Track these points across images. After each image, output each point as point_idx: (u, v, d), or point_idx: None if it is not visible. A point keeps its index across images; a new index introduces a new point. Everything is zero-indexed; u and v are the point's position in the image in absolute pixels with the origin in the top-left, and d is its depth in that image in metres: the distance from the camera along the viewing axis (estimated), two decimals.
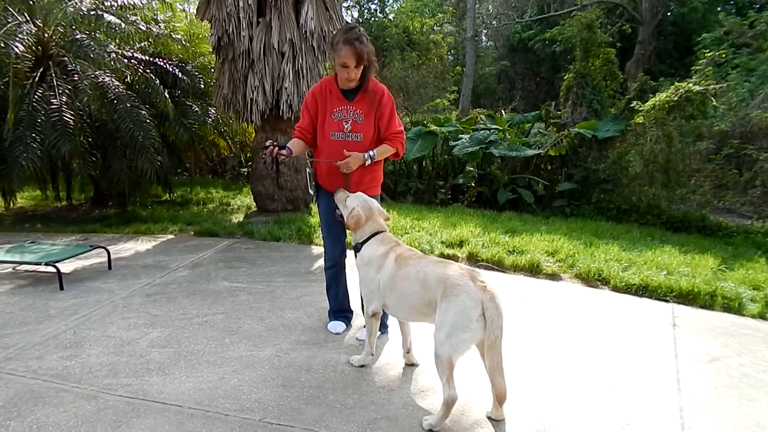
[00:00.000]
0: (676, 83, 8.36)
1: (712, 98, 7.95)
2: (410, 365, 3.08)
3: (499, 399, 2.48)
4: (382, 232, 2.98)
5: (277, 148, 3.05)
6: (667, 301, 4.39)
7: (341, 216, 3.05)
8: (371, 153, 3.12)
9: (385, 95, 3.17)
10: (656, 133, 7.99)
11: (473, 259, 5.37)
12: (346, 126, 3.14)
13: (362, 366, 3.05)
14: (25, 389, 2.74)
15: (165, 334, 3.45)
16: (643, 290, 4.54)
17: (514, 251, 5.52)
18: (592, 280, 4.85)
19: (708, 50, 10.00)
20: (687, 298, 4.40)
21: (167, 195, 8.71)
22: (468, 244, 5.67)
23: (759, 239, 7.20)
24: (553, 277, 4.98)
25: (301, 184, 7.35)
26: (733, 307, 4.26)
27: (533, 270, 5.07)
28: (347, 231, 3.34)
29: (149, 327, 3.56)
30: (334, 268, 3.49)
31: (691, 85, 7.99)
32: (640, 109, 8.31)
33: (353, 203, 2.96)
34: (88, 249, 4.86)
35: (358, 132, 3.14)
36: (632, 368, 3.15)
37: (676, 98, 7.81)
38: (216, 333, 3.48)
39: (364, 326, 3.38)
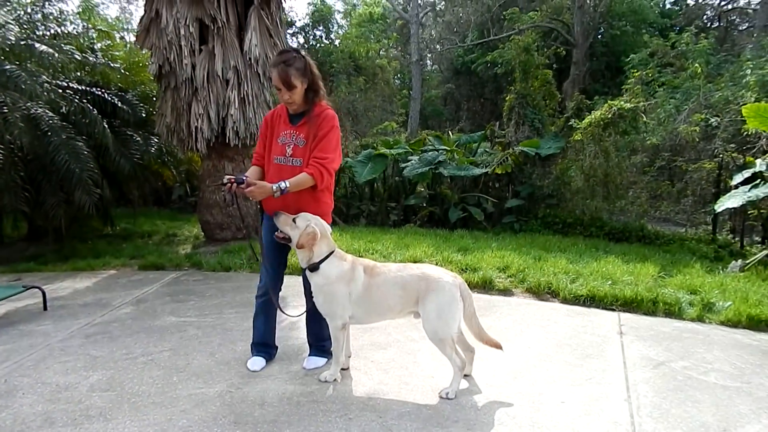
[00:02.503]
0: (609, 101, 8.82)
1: (643, 114, 8.43)
2: (344, 369, 3.25)
3: (496, 345, 3.15)
4: (334, 250, 3.04)
5: (235, 185, 2.97)
6: (613, 309, 4.55)
7: (284, 238, 2.99)
8: (282, 185, 2.92)
9: (327, 118, 3.07)
10: (594, 149, 8.38)
11: None
12: (288, 150, 3.09)
13: (335, 380, 3.11)
14: None
15: (106, 376, 3.25)
16: (591, 300, 4.69)
17: (467, 269, 5.59)
18: (543, 293, 4.96)
19: (636, 70, 10.63)
20: (631, 305, 4.57)
21: (109, 228, 8.34)
22: None
23: (693, 246, 7.61)
24: (506, 292, 5.07)
25: (251, 210, 7.21)
26: (673, 312, 4.45)
27: (486, 286, 5.15)
28: (285, 259, 3.37)
29: (89, 370, 3.35)
30: (265, 296, 3.29)
31: (622, 102, 8.46)
32: (578, 126, 8.70)
33: (305, 222, 2.93)
34: (20, 290, 4.56)
35: (298, 157, 3.06)
36: (584, 378, 3.23)
37: (610, 115, 8.23)
38: (162, 372, 3.31)
39: (309, 355, 3.44)
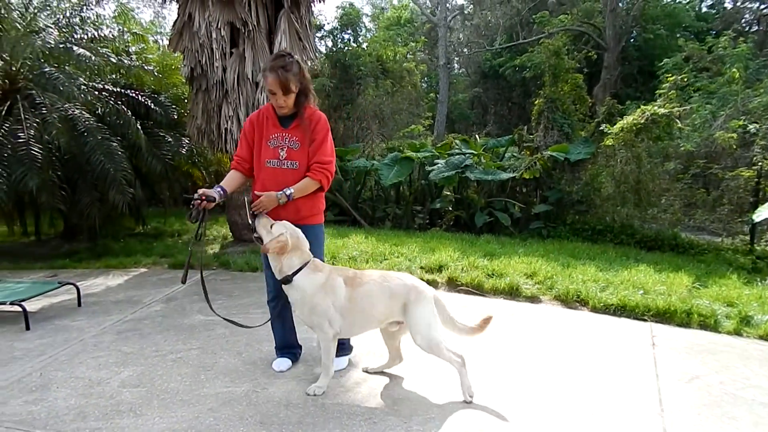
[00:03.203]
0: (642, 106, 8.62)
1: (677, 120, 8.21)
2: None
3: (485, 321, 3.07)
4: (310, 260, 2.98)
5: (205, 201, 2.94)
6: (645, 320, 4.43)
7: (258, 239, 2.97)
8: (287, 191, 2.97)
9: (321, 122, 3.10)
10: (626, 155, 8.20)
11: (452, 284, 5.36)
12: (281, 153, 3.07)
13: (323, 393, 3.02)
14: None
15: (137, 372, 3.32)
16: (621, 310, 4.58)
17: (493, 275, 5.52)
18: (571, 301, 4.87)
19: (670, 74, 10.37)
20: (664, 316, 4.44)
21: (140, 227, 8.53)
22: (447, 269, 5.66)
23: (729, 256, 7.37)
24: (533, 299, 4.99)
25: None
26: (709, 324, 4.31)
27: (512, 293, 5.07)
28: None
29: (120, 366, 3.42)
30: (276, 300, 3.32)
31: (656, 107, 8.26)
32: (609, 131, 8.53)
33: (280, 230, 2.90)
34: (56, 286, 4.69)
35: (294, 159, 3.06)
36: (615, 390, 3.14)
37: (642, 121, 8.04)
38: (191, 369, 3.36)
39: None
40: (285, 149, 3.07)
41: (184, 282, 3.26)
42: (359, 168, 10.10)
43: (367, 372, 3.31)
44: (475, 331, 3.08)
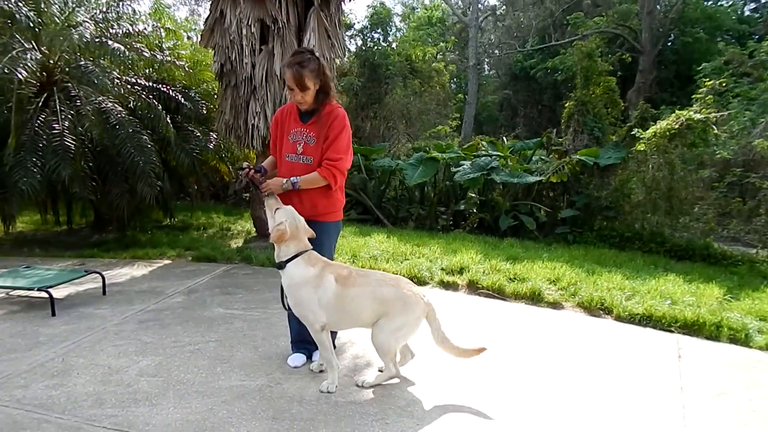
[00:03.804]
0: (677, 111, 8.36)
1: (714, 126, 7.93)
2: (321, 371, 3.23)
3: (478, 351, 3.08)
4: (306, 251, 2.98)
5: (253, 170, 3.11)
6: (671, 331, 4.28)
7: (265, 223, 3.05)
8: (293, 179, 3.05)
9: (338, 119, 3.12)
10: (658, 161, 7.96)
11: (473, 287, 5.28)
12: (298, 148, 3.14)
13: (336, 389, 3.01)
14: (7, 419, 2.65)
15: (155, 362, 3.37)
16: (647, 320, 4.43)
17: (515, 279, 5.43)
18: (595, 309, 4.74)
19: (708, 79, 10.04)
20: (692, 328, 4.28)
21: (168, 220, 8.69)
22: (468, 271, 5.59)
23: (764, 269, 7.08)
24: (555, 305, 4.88)
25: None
26: (739, 338, 4.14)
27: (534, 298, 4.97)
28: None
29: (139, 355, 3.48)
30: None
31: (691, 113, 7.99)
32: (642, 136, 8.30)
33: (282, 217, 2.93)
34: (82, 274, 4.81)
35: (309, 155, 3.11)
36: (637, 402, 3.04)
37: (677, 126, 7.79)
38: (207, 362, 3.39)
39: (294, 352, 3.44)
40: (302, 144, 3.14)
41: None
42: (384, 167, 10.08)
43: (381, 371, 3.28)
44: (468, 354, 3.11)
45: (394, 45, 15.72)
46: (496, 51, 26.15)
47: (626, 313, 4.54)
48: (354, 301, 2.94)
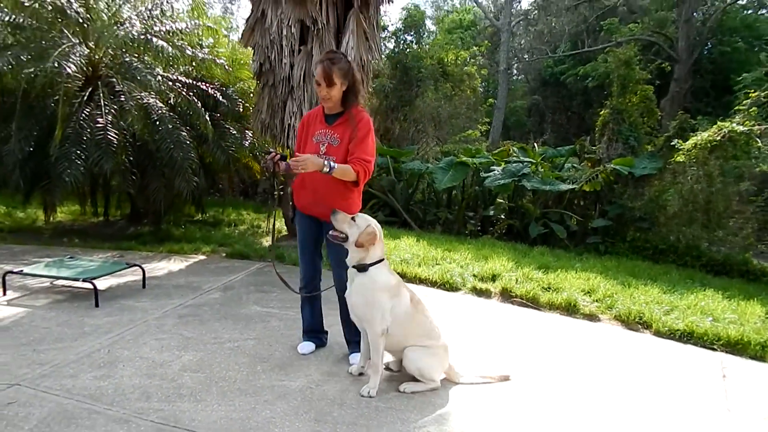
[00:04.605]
0: (718, 122, 8.17)
1: (757, 139, 7.73)
2: (361, 375, 3.26)
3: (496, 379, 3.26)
4: (385, 259, 3.06)
5: (278, 156, 3.15)
6: (714, 349, 4.17)
7: (339, 237, 3.01)
8: (331, 163, 2.99)
9: (364, 120, 3.17)
10: (697, 173, 7.79)
11: (506, 295, 5.24)
12: (321, 148, 3.18)
13: (377, 393, 3.01)
14: (58, 409, 2.71)
15: (197, 358, 3.42)
16: (688, 337, 4.33)
17: (549, 288, 5.36)
18: (633, 323, 4.65)
19: (752, 90, 9.78)
20: (735, 347, 4.17)
21: (200, 215, 8.82)
22: (501, 279, 5.54)
23: None
24: (591, 317, 4.81)
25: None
26: None
27: (570, 309, 4.90)
28: (320, 252, 3.49)
29: (181, 350, 3.53)
30: (307, 287, 3.50)
31: (734, 125, 7.80)
32: (681, 147, 8.13)
33: (365, 222, 2.98)
34: (124, 267, 4.91)
35: (331, 155, 3.13)
36: (681, 421, 2.97)
37: (719, 138, 7.62)
38: (248, 359, 3.43)
39: (351, 353, 3.47)
40: (325, 144, 3.19)
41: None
42: (413, 170, 10.07)
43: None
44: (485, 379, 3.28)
45: (426, 48, 15.69)
46: (526, 56, 25.91)
47: (666, 329, 4.44)
48: (417, 324, 3.07)
